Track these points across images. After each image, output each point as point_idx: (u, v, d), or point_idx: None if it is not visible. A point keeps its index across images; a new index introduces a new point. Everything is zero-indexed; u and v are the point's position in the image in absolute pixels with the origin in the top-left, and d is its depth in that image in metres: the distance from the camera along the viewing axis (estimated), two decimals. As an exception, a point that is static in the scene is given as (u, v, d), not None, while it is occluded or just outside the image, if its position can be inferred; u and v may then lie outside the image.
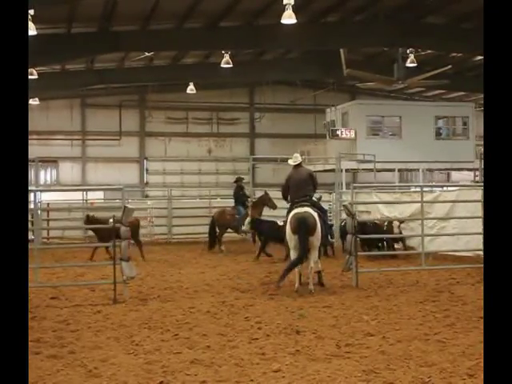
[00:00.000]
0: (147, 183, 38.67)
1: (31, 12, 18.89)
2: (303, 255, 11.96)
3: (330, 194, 24.01)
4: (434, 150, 30.34)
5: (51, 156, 36.19)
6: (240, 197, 20.69)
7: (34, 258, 12.92)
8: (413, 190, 20.24)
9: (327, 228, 13.50)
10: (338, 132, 31.49)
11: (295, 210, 12.22)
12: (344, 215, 15.69)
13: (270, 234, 17.30)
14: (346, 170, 28.50)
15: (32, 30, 19.41)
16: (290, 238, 12.16)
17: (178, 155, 39.10)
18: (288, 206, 12.99)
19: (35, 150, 33.89)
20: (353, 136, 31.21)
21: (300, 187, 12.56)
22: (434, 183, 31.42)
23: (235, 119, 40.48)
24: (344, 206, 14.06)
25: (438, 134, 32.66)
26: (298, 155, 13.18)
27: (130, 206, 12.28)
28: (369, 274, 13.62)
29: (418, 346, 7.77)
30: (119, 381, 6.54)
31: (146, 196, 34.16)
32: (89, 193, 26.10)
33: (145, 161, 39.30)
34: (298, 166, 12.94)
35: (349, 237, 13.00)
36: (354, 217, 12.99)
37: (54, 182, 37.81)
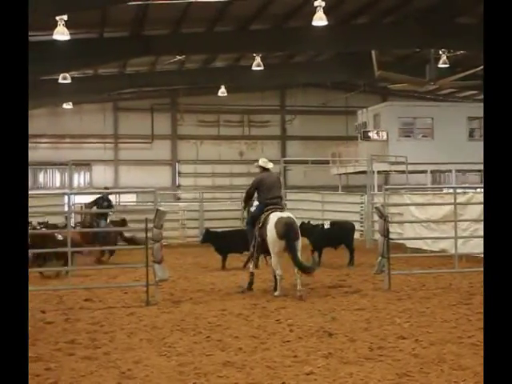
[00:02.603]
0: (179, 186, 38.85)
1: (65, 17, 19.15)
2: (297, 257, 11.94)
3: (362, 196, 23.93)
4: (467, 151, 30.01)
5: (84, 159, 36.57)
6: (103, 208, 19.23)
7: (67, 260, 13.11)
8: (445, 191, 20.07)
9: None
10: (370, 134, 31.32)
11: (277, 214, 12.24)
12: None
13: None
14: (378, 172, 28.31)
15: (65, 35, 19.69)
16: (274, 242, 12.06)
17: (210, 158, 39.21)
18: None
19: (69, 153, 34.44)
20: (384, 138, 31.01)
21: (273, 189, 12.71)
22: (467, 185, 31.10)
23: (266, 122, 40.50)
24: (376, 208, 13.99)
25: (471, 135, 32.32)
26: (267, 160, 13.32)
27: (162, 208, 12.34)
28: (401, 277, 13.52)
29: (452, 349, 7.69)
30: (152, 382, 6.58)
31: (178, 198, 34.32)
32: (121, 195, 26.28)
33: (177, 163, 39.48)
34: (267, 169, 13.12)
35: (380, 239, 12.94)
36: (386, 219, 12.93)
37: (87, 185, 38.17)
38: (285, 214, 12.33)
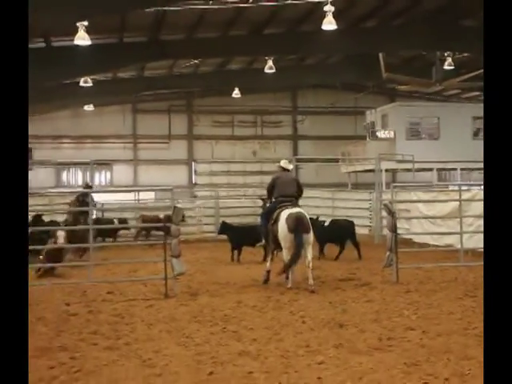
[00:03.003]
0: (195, 184, 38.90)
1: (85, 23, 19.23)
2: (300, 253, 12.01)
3: (370, 193, 23.90)
4: (472, 150, 29.84)
5: (105, 159, 36.69)
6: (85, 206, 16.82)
7: (90, 255, 13.21)
8: (451, 188, 20.00)
9: None
10: (378, 133, 31.25)
11: (288, 211, 12.31)
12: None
13: None
14: (386, 170, 28.25)
15: (86, 40, 19.78)
16: (285, 237, 12.18)
17: (225, 157, 39.24)
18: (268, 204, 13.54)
19: (90, 153, 34.59)
20: (392, 137, 30.95)
21: (287, 187, 12.91)
22: (471, 182, 30.95)
23: (279, 122, 40.48)
24: (384, 204, 13.98)
25: (476, 135, 32.15)
26: (287, 161, 13.73)
27: (179, 205, 12.39)
28: (409, 271, 13.48)
29: (458, 339, 7.69)
30: (171, 371, 6.62)
31: (195, 196, 34.37)
32: (140, 193, 26.38)
33: (193, 163, 39.55)
34: (287, 170, 13.45)
35: (389, 234, 12.94)
36: (393, 215, 12.91)
37: (108, 184, 38.34)
38: (295, 210, 12.35)
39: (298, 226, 12.03)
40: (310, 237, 12.33)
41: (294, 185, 13.15)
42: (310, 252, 12.20)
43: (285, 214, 12.31)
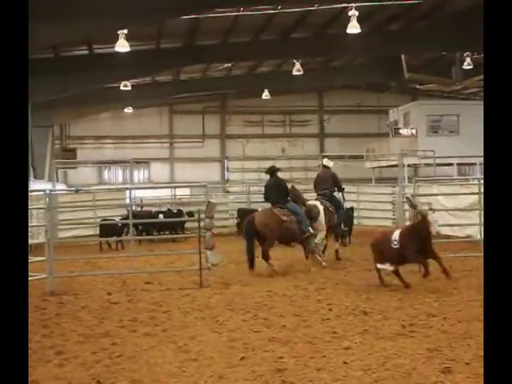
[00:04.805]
0: (228, 180, 39.03)
1: (125, 31, 19.35)
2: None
3: (394, 187, 23.70)
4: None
5: (144, 157, 36.96)
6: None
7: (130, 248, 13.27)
8: (471, 182, 19.72)
9: (340, 219, 14.67)
10: (400, 131, 31.04)
11: (308, 202, 14.00)
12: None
13: None
14: (408, 165, 28.01)
15: (126, 47, 19.92)
16: None
17: (255, 154, 39.28)
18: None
19: (130, 152, 34.86)
20: (414, 134, 30.70)
21: (322, 184, 14.51)
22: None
23: (306, 121, 40.42)
24: (407, 198, 13.86)
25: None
26: (328, 160, 15.25)
27: (213, 200, 12.39)
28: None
29: (478, 326, 7.54)
30: (206, 356, 6.61)
31: (227, 192, 34.43)
32: (177, 189, 26.47)
33: (225, 160, 39.67)
34: (327, 168, 14.90)
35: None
36: (416, 208, 12.77)
37: (146, 181, 38.61)
38: (313, 203, 13.97)
39: (307, 213, 13.56)
40: (318, 224, 13.67)
41: (330, 182, 14.51)
42: (318, 236, 13.62)
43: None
